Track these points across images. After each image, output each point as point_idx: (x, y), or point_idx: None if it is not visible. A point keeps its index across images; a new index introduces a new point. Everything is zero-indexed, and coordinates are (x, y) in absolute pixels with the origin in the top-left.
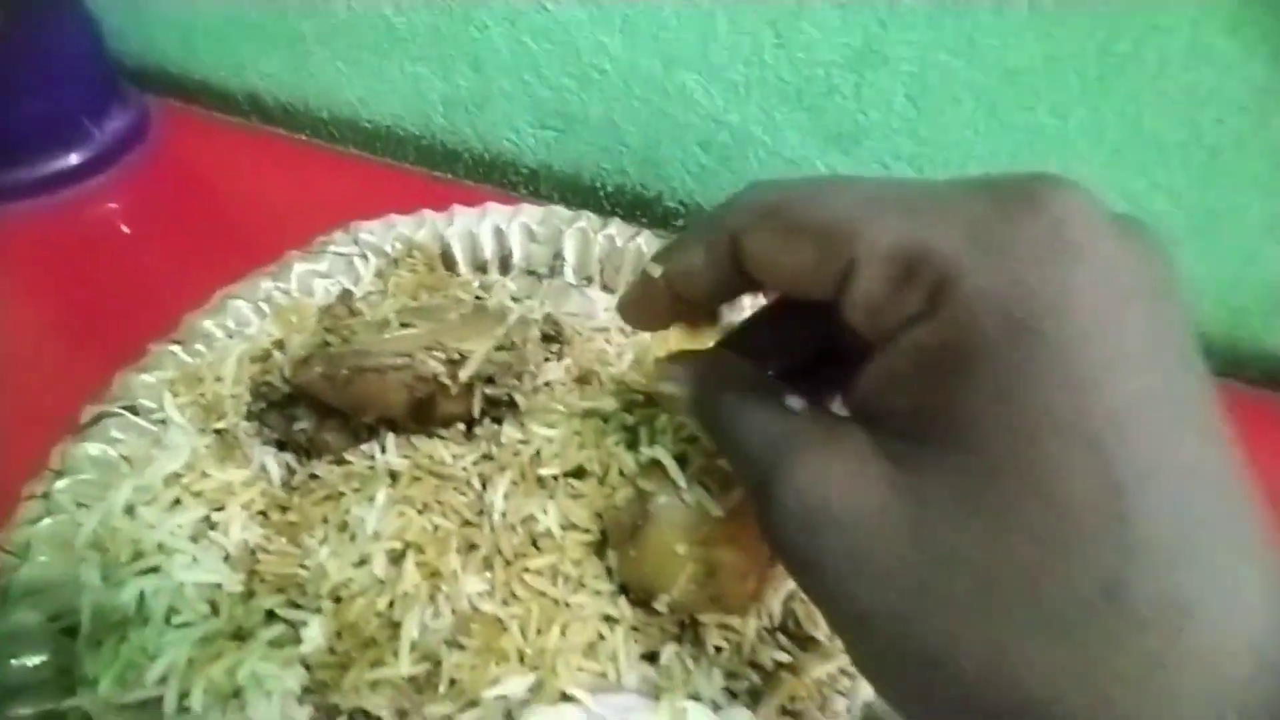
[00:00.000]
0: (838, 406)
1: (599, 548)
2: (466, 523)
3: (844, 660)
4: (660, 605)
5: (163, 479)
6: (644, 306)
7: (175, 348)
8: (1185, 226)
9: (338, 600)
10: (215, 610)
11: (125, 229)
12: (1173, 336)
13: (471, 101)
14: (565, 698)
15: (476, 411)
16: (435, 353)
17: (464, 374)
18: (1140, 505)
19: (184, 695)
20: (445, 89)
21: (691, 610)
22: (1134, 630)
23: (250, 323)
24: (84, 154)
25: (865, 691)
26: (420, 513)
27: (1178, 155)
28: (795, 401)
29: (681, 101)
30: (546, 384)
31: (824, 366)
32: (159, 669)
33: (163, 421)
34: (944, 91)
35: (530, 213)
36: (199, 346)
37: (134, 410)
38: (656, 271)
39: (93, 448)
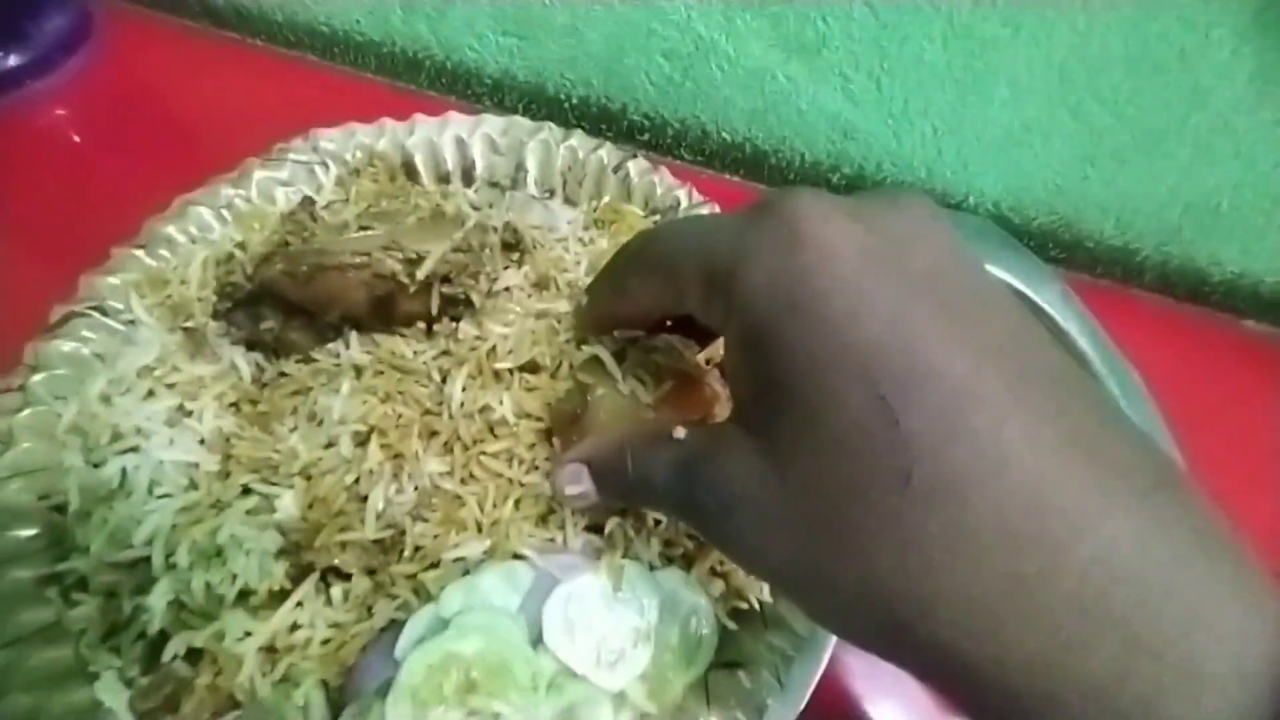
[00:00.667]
0: None
1: (549, 434)
2: (428, 411)
3: None
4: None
5: (135, 371)
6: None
7: (138, 251)
8: (1126, 143)
9: (308, 478)
10: (194, 485)
11: (73, 135)
12: (904, 274)
13: (432, 8)
14: (517, 557)
15: (434, 309)
16: (393, 252)
17: (420, 272)
18: (906, 407)
19: (169, 554)
20: None
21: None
22: (927, 509)
23: (212, 229)
24: (22, 55)
25: None
26: (383, 402)
27: (1123, 71)
28: (680, 431)
29: (646, 9)
30: (506, 289)
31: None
32: (145, 531)
33: (131, 322)
34: (903, 1)
35: (492, 123)
36: (162, 251)
37: (102, 311)
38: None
39: (65, 345)
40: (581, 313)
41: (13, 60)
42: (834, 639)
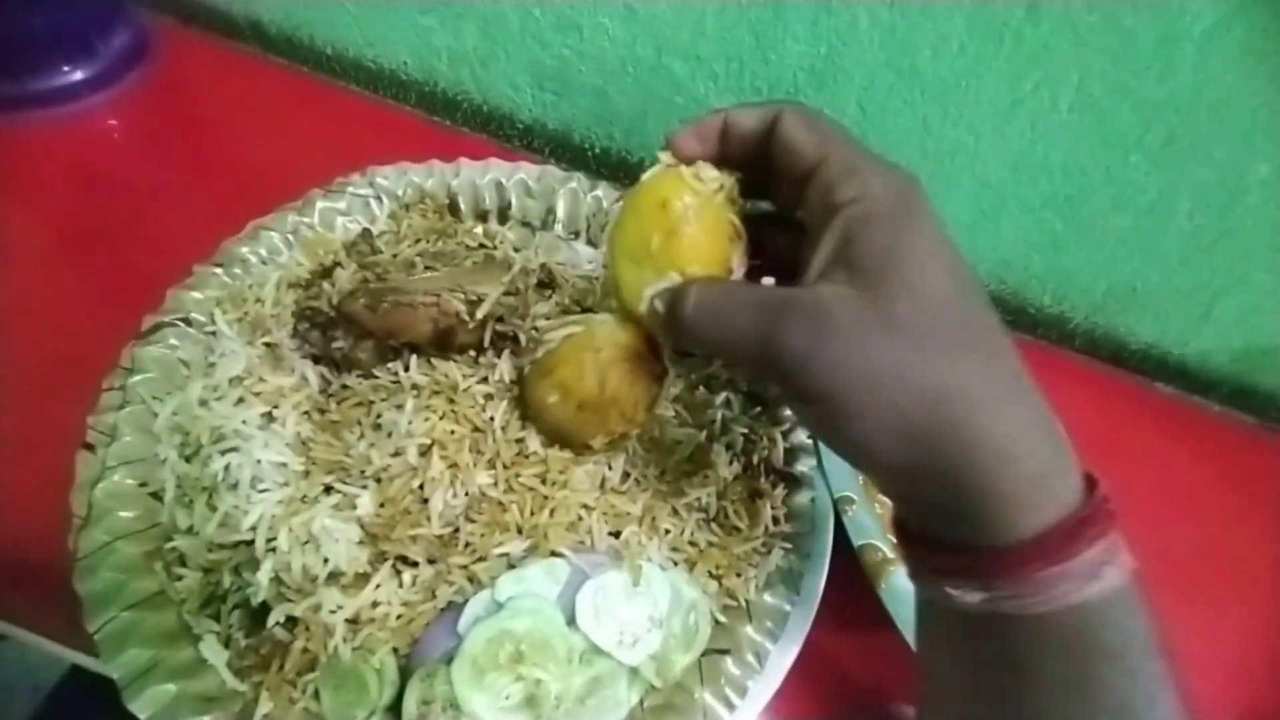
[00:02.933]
0: None
1: (578, 455)
2: (476, 429)
3: (757, 543)
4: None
5: (228, 380)
6: (696, 132)
7: (217, 269)
8: (1062, 232)
9: (379, 481)
10: (286, 483)
11: (127, 146)
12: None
13: (477, 58)
14: (554, 554)
15: (487, 342)
16: (457, 294)
17: (480, 313)
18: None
19: (271, 539)
20: (452, 44)
21: (577, 435)
22: (967, 410)
23: (281, 252)
24: (88, 70)
25: (770, 565)
26: (441, 419)
27: (1061, 175)
28: (768, 280)
29: (669, 84)
30: (538, 318)
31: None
32: (252, 519)
33: (212, 333)
34: (891, 103)
35: (528, 170)
36: (237, 270)
37: (187, 322)
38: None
39: (155, 351)
40: (710, 112)
41: (78, 74)
42: (805, 634)
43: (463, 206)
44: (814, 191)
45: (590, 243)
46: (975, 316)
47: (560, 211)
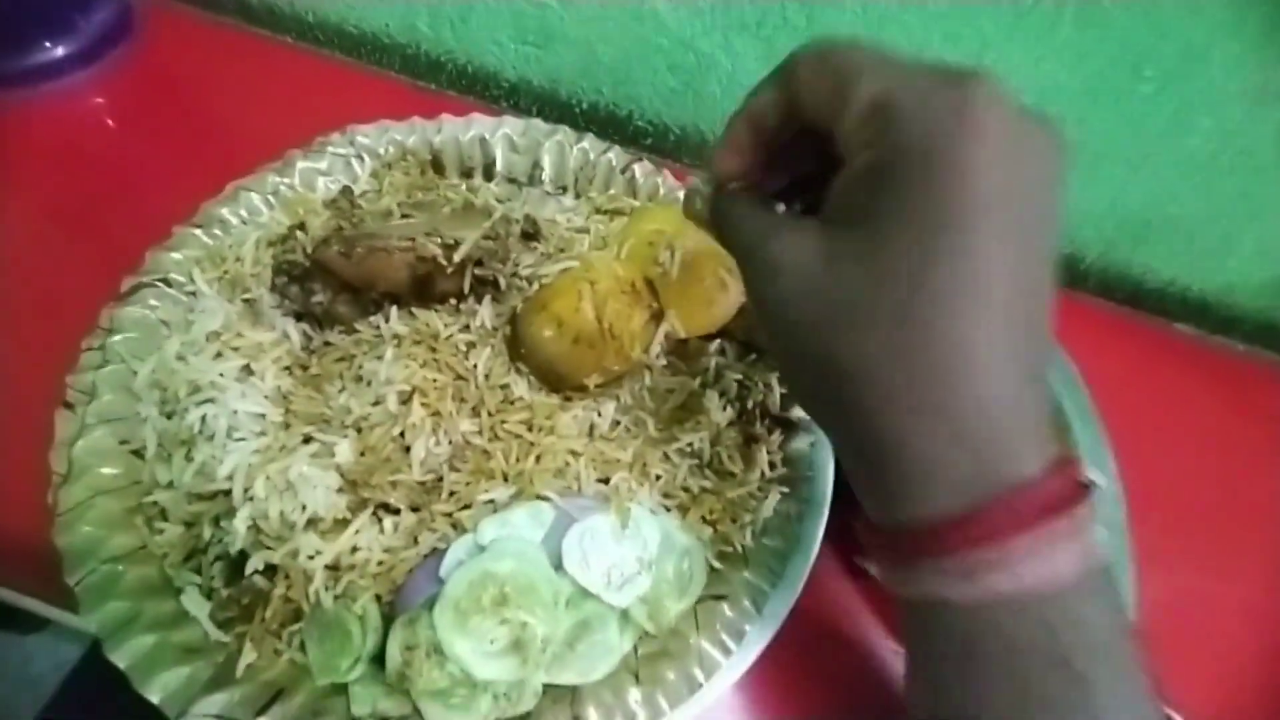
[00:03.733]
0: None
1: (567, 402)
2: (459, 377)
3: (752, 488)
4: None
5: (205, 335)
6: (730, 147)
7: (197, 230)
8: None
9: (359, 430)
10: (263, 433)
11: (110, 122)
12: (1027, 197)
13: (456, 15)
14: (539, 499)
15: (467, 289)
16: (433, 238)
17: (457, 256)
18: (942, 278)
19: (248, 487)
20: (432, 1)
21: (572, 373)
22: (913, 341)
23: (261, 212)
24: (70, 46)
25: (766, 510)
26: (422, 367)
27: (1068, 100)
28: (779, 206)
29: (654, 26)
30: (522, 270)
31: (805, 192)
32: (228, 467)
33: (192, 293)
34: (887, 25)
35: (512, 124)
36: (216, 231)
37: (167, 282)
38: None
39: (135, 311)
40: (729, 122)
41: (60, 51)
42: (804, 580)
43: (446, 163)
44: (842, 132)
45: (578, 196)
46: (946, 300)
47: (546, 165)
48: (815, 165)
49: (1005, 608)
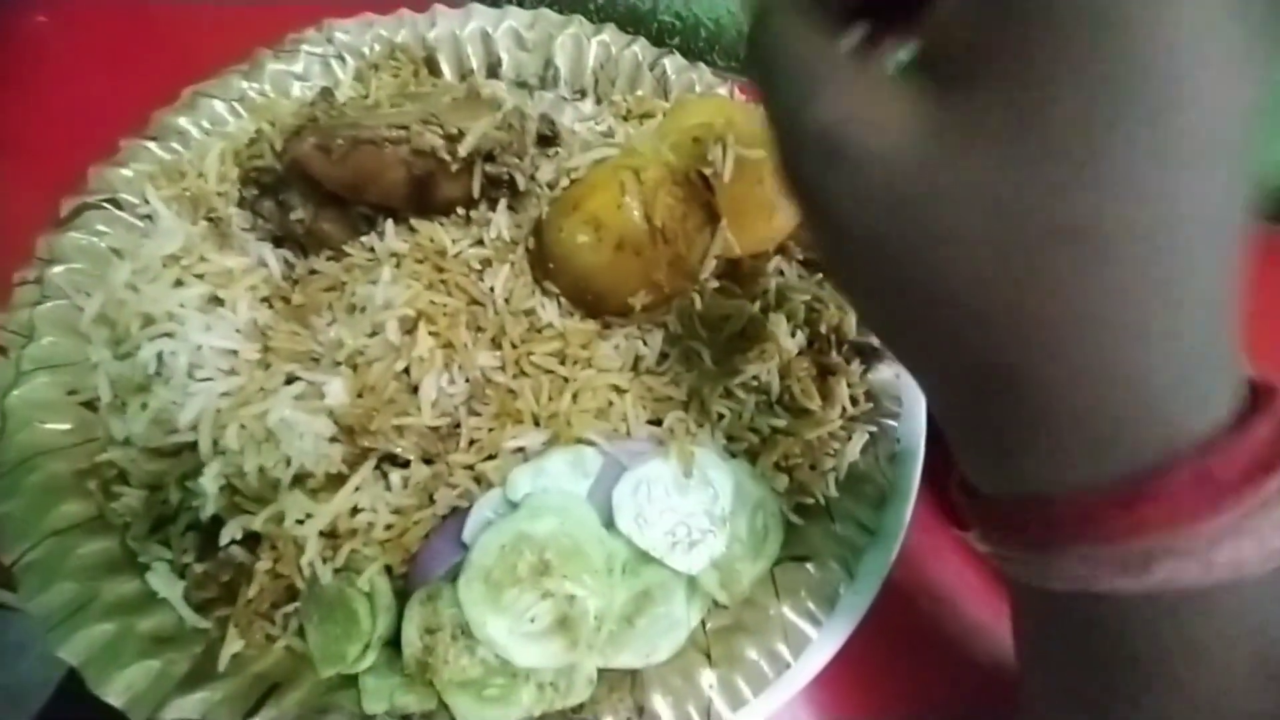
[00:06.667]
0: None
1: (605, 332)
2: (474, 301)
3: (834, 427)
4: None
5: (161, 260)
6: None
7: (150, 143)
8: None
9: (354, 367)
10: (235, 372)
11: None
12: (1233, 124)
13: None
14: (581, 443)
15: (476, 191)
16: (432, 127)
17: (463, 148)
18: (1147, 160)
19: (217, 438)
20: None
21: (613, 290)
22: (1094, 261)
23: (226, 122)
24: None
25: (852, 453)
26: (427, 288)
27: None
28: (853, 36)
29: None
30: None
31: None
32: (190, 414)
33: (148, 216)
34: None
35: (518, 16)
36: (174, 144)
37: (116, 204)
38: None
39: (80, 238)
40: None
41: None
42: (902, 534)
43: (443, 64)
44: None
45: (600, 101)
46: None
47: (561, 65)
48: None
49: (1190, 604)
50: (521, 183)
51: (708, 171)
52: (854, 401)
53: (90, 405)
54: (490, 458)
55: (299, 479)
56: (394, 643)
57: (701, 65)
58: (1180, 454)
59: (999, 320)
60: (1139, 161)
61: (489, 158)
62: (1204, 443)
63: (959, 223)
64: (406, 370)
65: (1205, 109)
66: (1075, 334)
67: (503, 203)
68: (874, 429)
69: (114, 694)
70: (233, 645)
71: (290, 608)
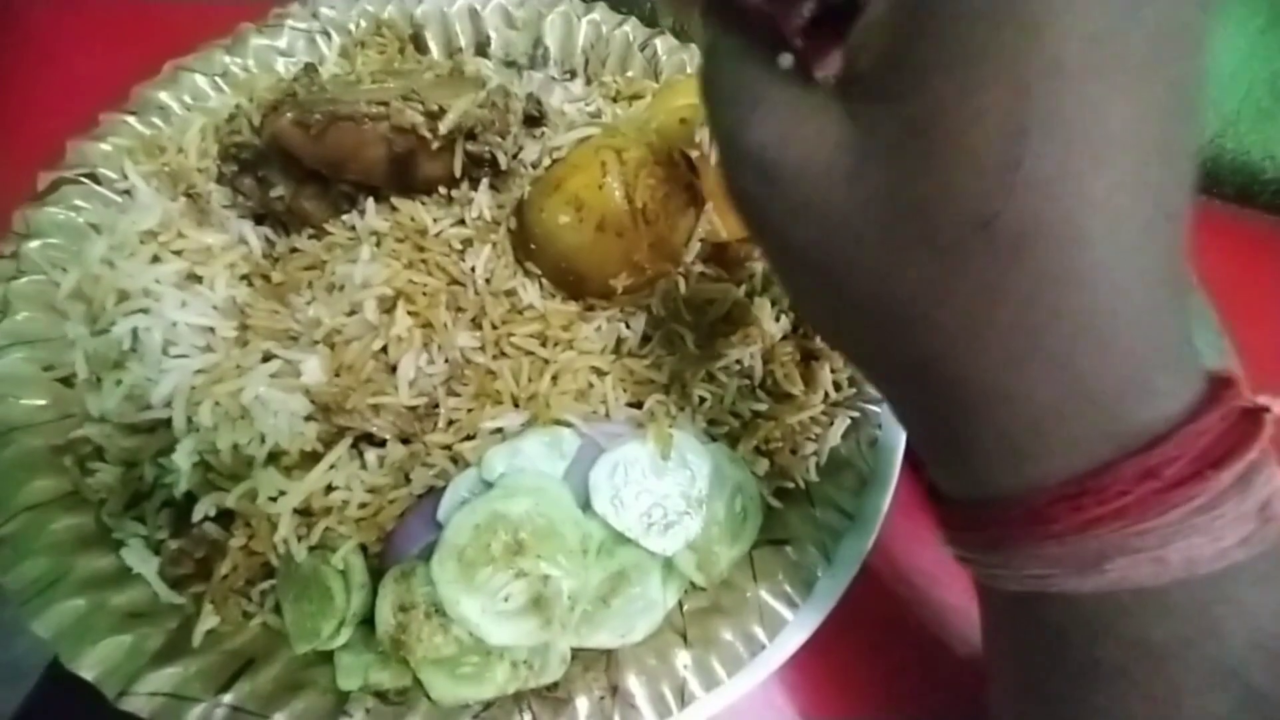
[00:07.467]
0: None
1: (586, 314)
2: (454, 281)
3: (815, 411)
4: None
5: (138, 236)
6: None
7: (129, 118)
8: None
9: (332, 346)
10: (210, 349)
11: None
12: (1154, 31)
13: None
14: (558, 424)
15: (458, 169)
16: (413, 104)
17: (444, 126)
18: (1041, 153)
19: (191, 415)
20: None
21: (595, 271)
22: (1002, 258)
23: (208, 97)
24: None
25: (833, 438)
26: (407, 268)
27: None
28: (785, 59)
29: None
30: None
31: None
32: (164, 390)
33: (126, 192)
34: None
35: None
36: (155, 119)
37: (95, 179)
38: None
39: (57, 213)
40: None
41: None
42: (880, 520)
43: (430, 41)
44: None
45: (590, 82)
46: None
47: (551, 44)
48: None
49: (1146, 604)
50: (504, 162)
51: (694, 154)
52: (836, 387)
53: (66, 381)
54: (468, 438)
55: (274, 456)
56: (369, 620)
57: (693, 46)
58: (1127, 450)
59: (915, 322)
60: (1046, 165)
61: (471, 136)
62: (1152, 438)
63: (866, 231)
64: (385, 349)
65: (1104, 118)
66: (986, 331)
67: (485, 182)
68: (856, 414)
69: (86, 668)
70: (208, 621)
71: (266, 585)
